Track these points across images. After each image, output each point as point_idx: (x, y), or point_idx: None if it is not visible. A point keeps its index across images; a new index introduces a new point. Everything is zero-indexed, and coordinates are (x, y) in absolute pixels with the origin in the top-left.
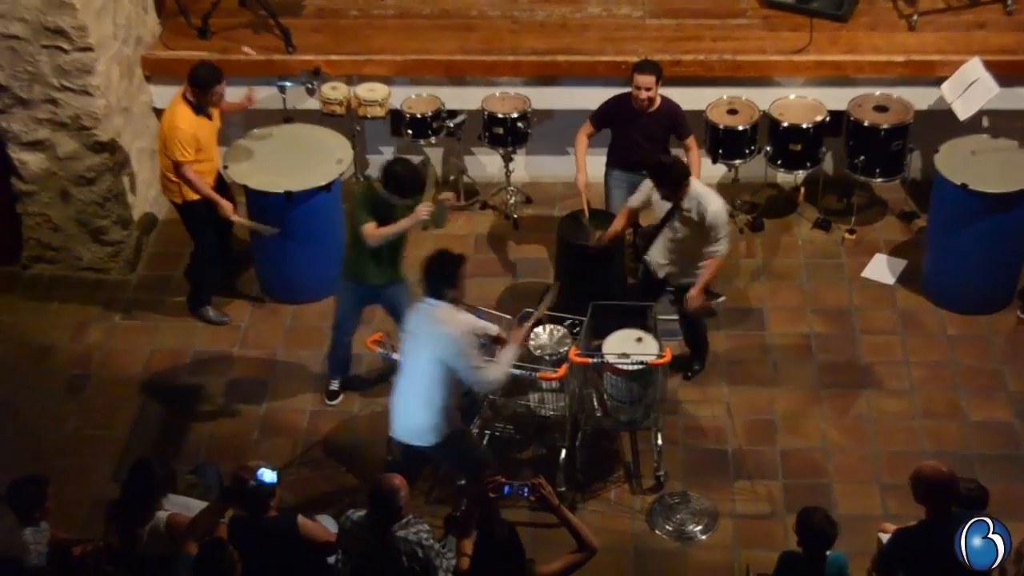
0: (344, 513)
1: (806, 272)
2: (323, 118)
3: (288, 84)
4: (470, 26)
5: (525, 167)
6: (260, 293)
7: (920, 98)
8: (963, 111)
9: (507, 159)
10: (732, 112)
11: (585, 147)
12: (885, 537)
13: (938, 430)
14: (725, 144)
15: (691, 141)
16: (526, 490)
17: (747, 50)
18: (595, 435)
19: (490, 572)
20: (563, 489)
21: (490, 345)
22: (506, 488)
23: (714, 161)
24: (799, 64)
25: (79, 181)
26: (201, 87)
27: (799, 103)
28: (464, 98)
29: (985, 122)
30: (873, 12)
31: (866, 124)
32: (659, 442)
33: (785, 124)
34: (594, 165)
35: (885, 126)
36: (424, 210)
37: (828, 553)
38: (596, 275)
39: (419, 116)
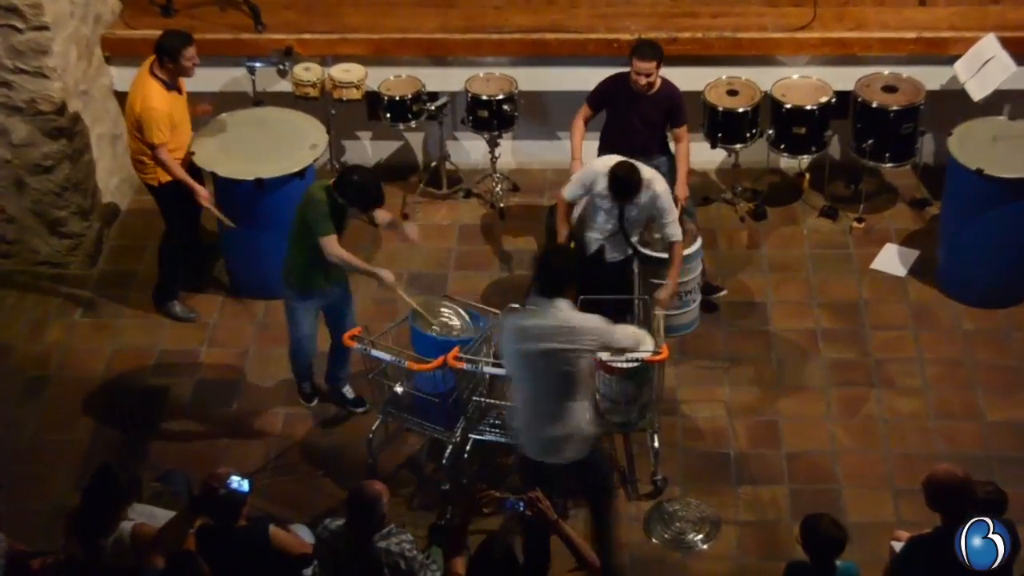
0: (321, 522)
1: (812, 264)
2: (296, 101)
3: (258, 65)
4: (452, 2)
5: (512, 153)
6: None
7: (932, 77)
8: (978, 91)
9: (492, 144)
10: (732, 93)
11: (582, 132)
12: (898, 546)
13: (953, 431)
14: (724, 127)
15: (683, 131)
16: (522, 504)
17: (747, 27)
18: None
19: None
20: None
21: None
22: (509, 503)
23: (713, 146)
24: (803, 41)
25: (35, 169)
26: (171, 55)
27: (803, 83)
28: (446, 79)
29: (1002, 103)
30: None
31: (875, 105)
32: (656, 445)
33: (788, 106)
34: (585, 150)
35: (895, 108)
36: (389, 276)
37: (838, 563)
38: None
39: (398, 99)
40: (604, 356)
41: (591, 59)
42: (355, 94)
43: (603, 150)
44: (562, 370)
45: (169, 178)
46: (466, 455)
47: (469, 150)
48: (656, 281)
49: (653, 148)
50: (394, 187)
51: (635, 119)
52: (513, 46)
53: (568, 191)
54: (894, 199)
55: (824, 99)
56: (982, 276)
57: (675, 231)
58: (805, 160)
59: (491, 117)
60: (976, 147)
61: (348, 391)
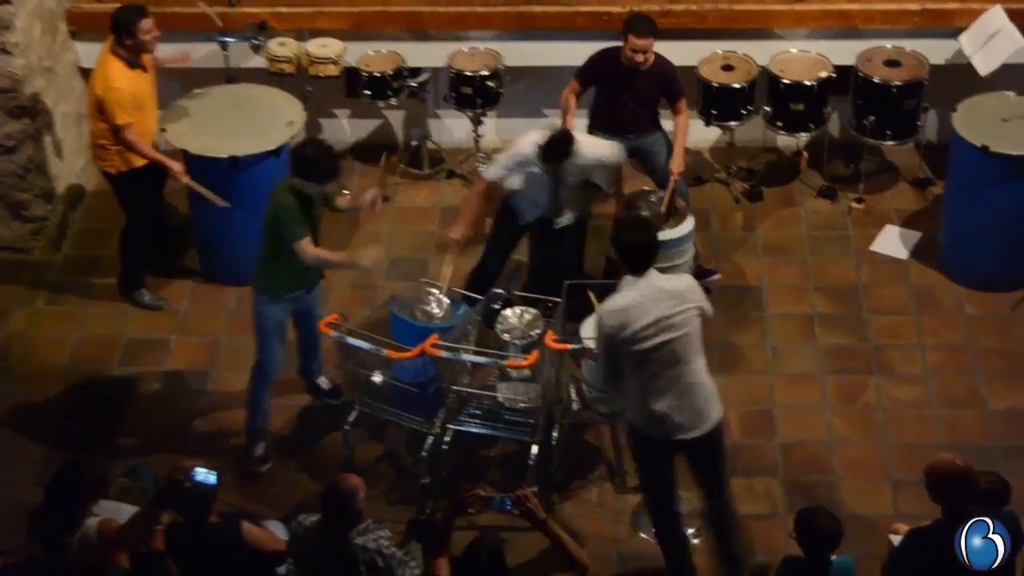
0: (295, 518)
1: (809, 246)
2: (270, 78)
3: (231, 40)
4: None
5: (496, 131)
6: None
7: (936, 51)
8: (984, 65)
9: (476, 122)
10: (727, 68)
11: (574, 109)
12: (897, 539)
13: (955, 420)
14: (719, 104)
15: (682, 104)
16: (508, 503)
17: None
18: (572, 429)
19: None
20: (535, 490)
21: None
22: (496, 502)
23: (707, 123)
24: (801, 14)
25: None
26: (127, 29)
27: (801, 58)
28: (428, 54)
29: (1008, 77)
30: None
31: (876, 81)
32: None
33: (786, 81)
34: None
35: (897, 83)
36: (371, 255)
37: (833, 557)
38: (572, 253)
39: (378, 75)
40: (592, 344)
41: (580, 33)
42: (333, 70)
43: (593, 127)
44: (696, 329)
45: (128, 167)
46: (446, 447)
47: (452, 128)
48: None
49: (646, 124)
50: (373, 168)
51: (627, 96)
52: (498, 19)
53: (492, 172)
54: (895, 178)
55: (823, 74)
56: (987, 258)
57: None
58: (803, 138)
59: (475, 94)
60: (982, 123)
61: (323, 381)
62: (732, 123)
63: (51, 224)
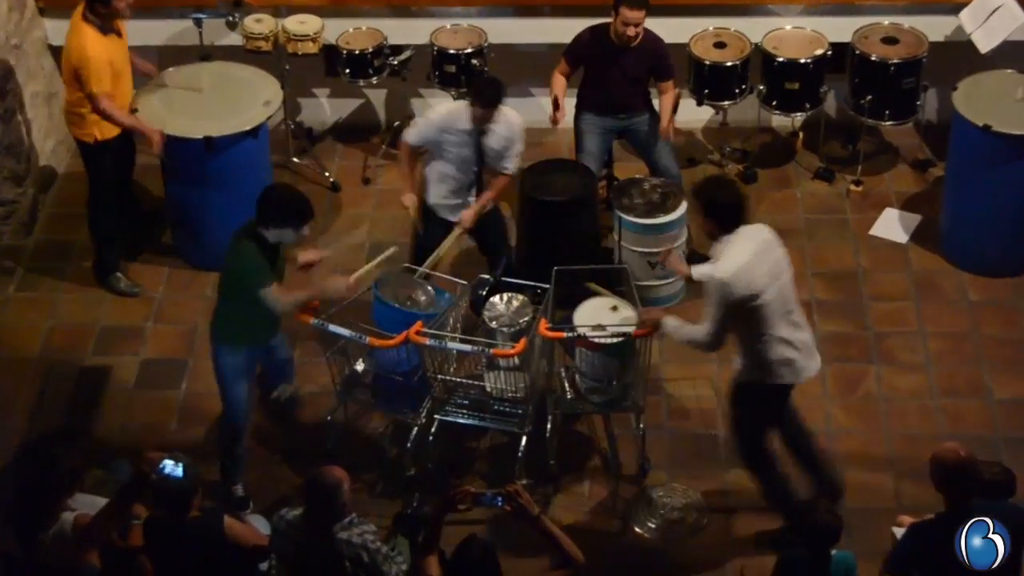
0: (277, 512)
1: (806, 230)
2: (246, 56)
3: (205, 17)
4: None
5: None
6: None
7: (935, 28)
8: (985, 43)
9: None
10: (719, 46)
11: (564, 87)
12: (900, 532)
13: (958, 409)
14: (711, 83)
15: (670, 85)
16: (500, 500)
17: None
18: (565, 420)
19: None
20: (526, 483)
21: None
22: (487, 498)
23: (699, 103)
24: None
25: None
26: None
27: (796, 35)
28: (410, 31)
29: (1010, 55)
30: None
31: (874, 58)
32: (640, 426)
33: (780, 59)
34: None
35: (895, 61)
36: (335, 286)
37: (833, 552)
38: (564, 236)
39: (358, 53)
40: (586, 331)
41: (568, 8)
42: (311, 48)
43: (582, 107)
44: (791, 270)
45: (106, 136)
46: (432, 438)
47: (435, 108)
48: (637, 249)
49: (637, 104)
50: (354, 149)
51: (616, 74)
52: None
53: (412, 134)
54: (895, 160)
55: (819, 52)
56: (990, 242)
57: (512, 165)
58: (799, 118)
59: (459, 72)
60: (983, 102)
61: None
62: (725, 103)
63: (21, 208)
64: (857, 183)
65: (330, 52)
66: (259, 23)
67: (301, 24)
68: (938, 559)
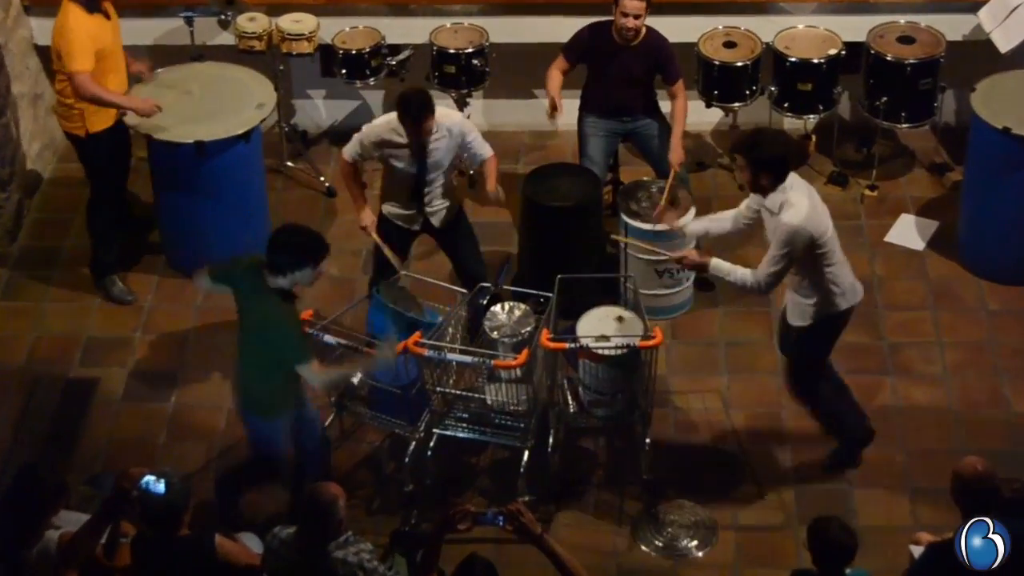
0: (271, 530)
1: None
2: (239, 55)
3: (195, 15)
4: None
5: (482, 112)
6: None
7: (953, 27)
8: (1005, 42)
9: (461, 103)
10: (729, 45)
11: (559, 82)
12: (918, 550)
13: (977, 423)
14: (721, 84)
15: (679, 87)
16: (501, 519)
17: None
18: (568, 434)
19: None
20: (528, 499)
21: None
22: (488, 517)
23: (708, 105)
24: None
25: None
26: None
27: (809, 34)
28: (409, 30)
29: None
30: None
31: (889, 58)
32: (646, 441)
33: (792, 59)
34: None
35: (912, 61)
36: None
37: (848, 571)
38: (568, 243)
39: (354, 53)
40: (589, 343)
41: (571, 7)
42: (306, 47)
43: (584, 109)
44: None
45: (96, 128)
46: (430, 453)
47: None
48: (643, 257)
49: (636, 108)
50: None
51: (616, 74)
52: None
53: (349, 150)
54: (911, 164)
55: (833, 51)
56: (1009, 249)
57: (485, 149)
58: (811, 120)
59: (459, 73)
60: (1003, 104)
61: None
62: (735, 104)
63: (5, 213)
64: (872, 188)
65: (326, 52)
66: (252, 22)
67: (296, 23)
68: None
